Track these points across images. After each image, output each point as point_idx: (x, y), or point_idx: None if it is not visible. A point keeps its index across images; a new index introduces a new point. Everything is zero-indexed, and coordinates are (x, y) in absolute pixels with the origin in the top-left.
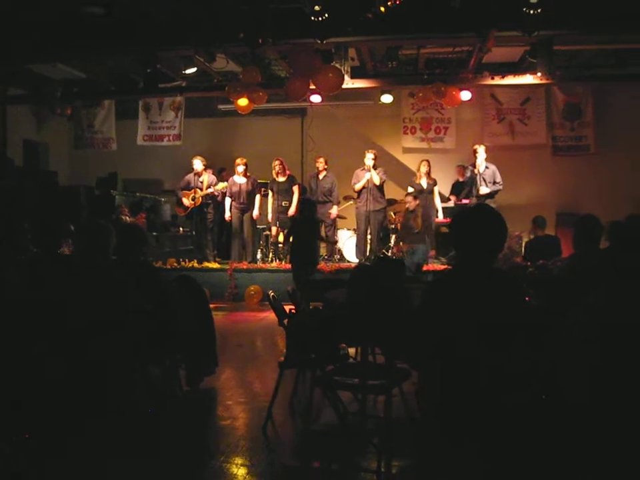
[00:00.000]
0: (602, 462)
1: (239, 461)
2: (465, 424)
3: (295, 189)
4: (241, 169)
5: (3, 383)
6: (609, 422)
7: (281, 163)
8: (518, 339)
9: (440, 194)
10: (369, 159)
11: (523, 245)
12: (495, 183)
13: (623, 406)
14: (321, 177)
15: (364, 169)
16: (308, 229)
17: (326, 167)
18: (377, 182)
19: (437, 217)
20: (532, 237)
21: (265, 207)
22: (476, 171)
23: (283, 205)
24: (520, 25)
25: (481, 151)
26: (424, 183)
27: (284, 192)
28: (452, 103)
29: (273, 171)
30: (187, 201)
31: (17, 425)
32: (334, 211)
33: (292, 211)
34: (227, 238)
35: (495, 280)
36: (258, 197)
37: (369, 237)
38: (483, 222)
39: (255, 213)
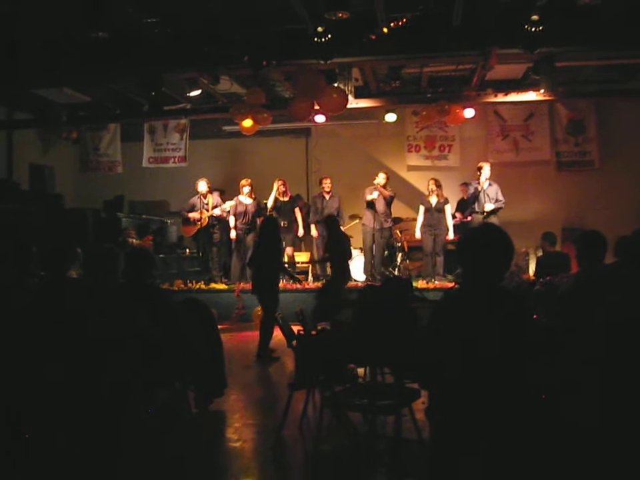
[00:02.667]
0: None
1: None
2: (471, 442)
3: (297, 210)
4: (246, 189)
5: (13, 403)
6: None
7: (284, 184)
8: (525, 357)
9: None
10: (381, 178)
11: (530, 261)
12: (497, 200)
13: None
14: (327, 197)
15: (374, 187)
16: (269, 250)
17: (331, 187)
18: (386, 194)
19: (448, 235)
20: (539, 253)
21: None
22: (480, 187)
23: (283, 225)
24: (522, 42)
25: (487, 168)
26: (433, 200)
27: (286, 212)
28: (456, 121)
29: (277, 191)
30: (195, 214)
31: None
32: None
33: (301, 232)
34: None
35: (502, 298)
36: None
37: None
38: (490, 241)
39: None
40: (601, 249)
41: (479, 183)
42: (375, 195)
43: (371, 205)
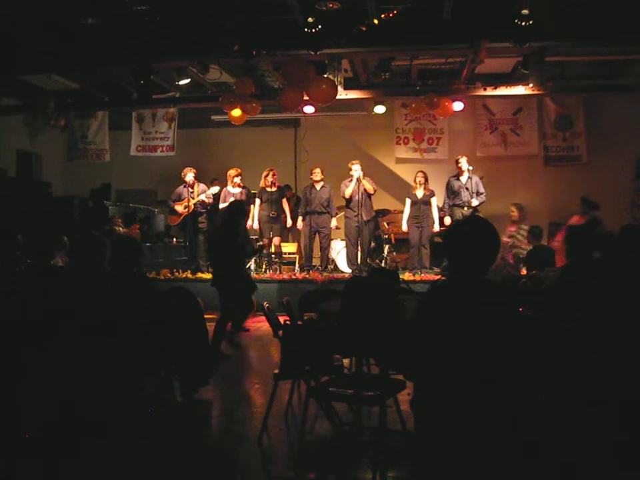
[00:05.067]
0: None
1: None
2: (458, 434)
3: (285, 200)
4: (236, 179)
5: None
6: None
7: (274, 174)
8: (511, 349)
9: None
10: (355, 170)
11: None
12: (478, 193)
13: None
14: (318, 187)
15: (351, 180)
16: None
17: (322, 177)
18: (371, 190)
19: (434, 227)
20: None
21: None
22: (459, 182)
23: (271, 215)
24: (512, 36)
25: (464, 162)
26: (419, 193)
27: (274, 202)
28: (444, 114)
29: (265, 180)
30: (180, 208)
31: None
32: (334, 223)
33: (290, 222)
34: None
35: (488, 291)
36: (252, 208)
37: (359, 247)
38: (476, 233)
39: (249, 223)
40: (589, 243)
41: (457, 177)
42: (352, 186)
43: (349, 200)
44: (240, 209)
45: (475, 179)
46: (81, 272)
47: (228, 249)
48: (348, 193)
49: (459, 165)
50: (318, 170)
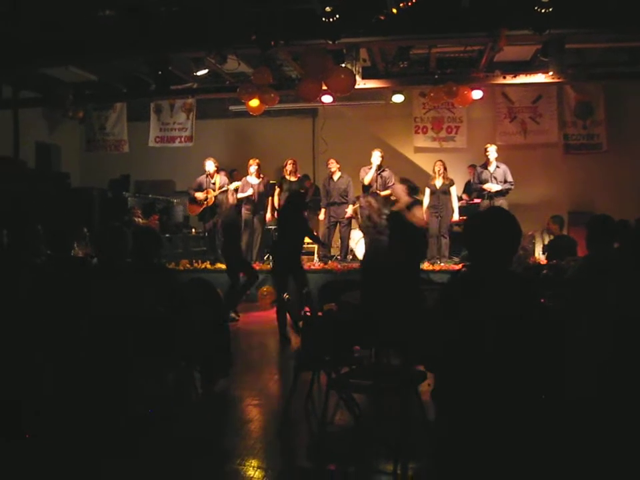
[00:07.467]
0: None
1: (255, 463)
2: (479, 425)
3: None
4: (253, 169)
5: (11, 383)
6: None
7: (294, 163)
8: (533, 341)
9: None
10: (377, 157)
11: (537, 244)
12: (506, 182)
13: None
14: (335, 178)
15: (370, 167)
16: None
17: (339, 166)
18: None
19: (453, 217)
20: (551, 236)
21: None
22: (487, 171)
23: None
24: (531, 23)
25: (492, 150)
26: (438, 183)
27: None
28: (463, 102)
29: (285, 170)
30: (200, 195)
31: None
32: (349, 210)
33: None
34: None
35: (510, 282)
36: (270, 199)
37: None
38: (497, 225)
39: (268, 215)
40: (610, 233)
41: (486, 166)
42: (370, 175)
43: (367, 188)
44: (301, 199)
45: (503, 167)
46: (103, 263)
47: (299, 238)
48: (367, 180)
49: (487, 153)
50: (332, 161)
